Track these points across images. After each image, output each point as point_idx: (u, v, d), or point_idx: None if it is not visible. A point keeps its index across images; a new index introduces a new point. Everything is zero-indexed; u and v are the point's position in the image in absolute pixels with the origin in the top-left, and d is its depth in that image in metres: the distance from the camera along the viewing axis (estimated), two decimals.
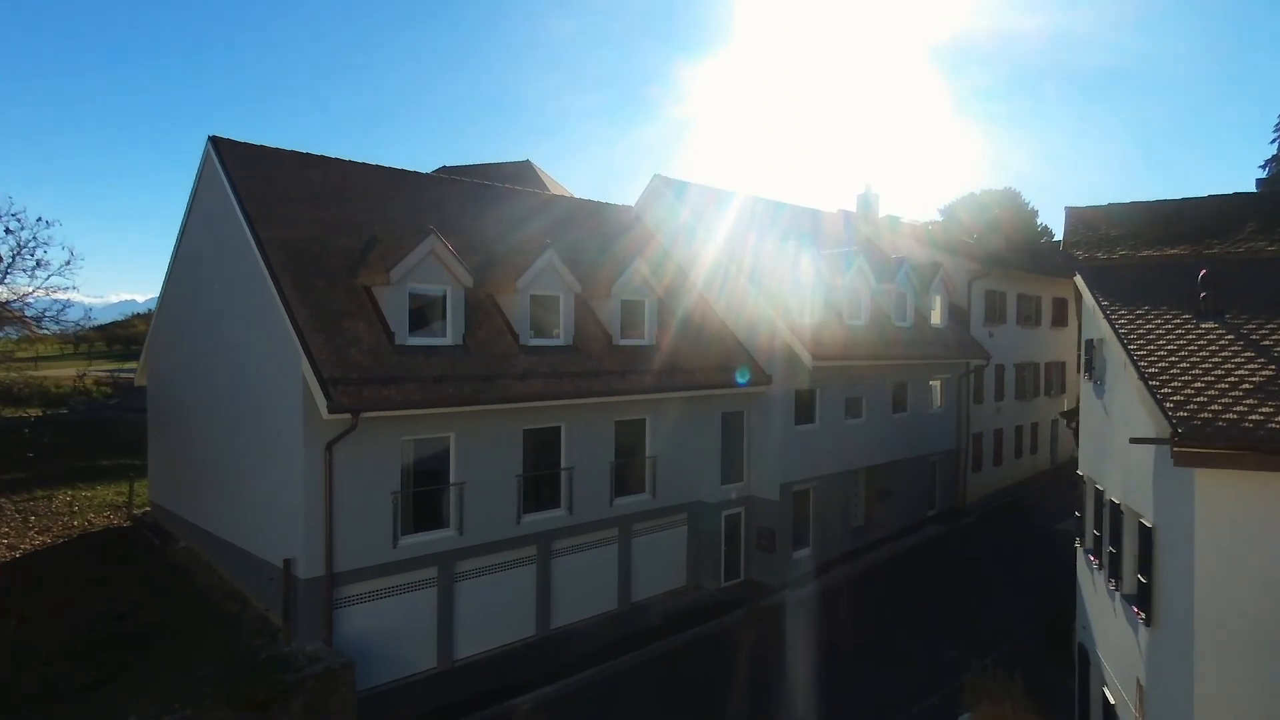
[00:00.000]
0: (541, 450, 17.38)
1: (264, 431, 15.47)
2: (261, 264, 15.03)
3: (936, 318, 27.79)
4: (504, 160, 42.43)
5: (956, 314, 29.11)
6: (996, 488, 31.63)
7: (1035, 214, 63.52)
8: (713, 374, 20.10)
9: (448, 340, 15.87)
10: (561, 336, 17.78)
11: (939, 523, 27.13)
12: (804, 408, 21.84)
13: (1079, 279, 12.28)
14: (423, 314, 15.75)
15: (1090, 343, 12.31)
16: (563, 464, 17.66)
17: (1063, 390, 37.03)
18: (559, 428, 17.61)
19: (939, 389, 27.70)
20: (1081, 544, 12.95)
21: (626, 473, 19.05)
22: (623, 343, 19.01)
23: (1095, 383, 12.07)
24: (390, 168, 19.79)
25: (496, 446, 16.37)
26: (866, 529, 25.14)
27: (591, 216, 23.57)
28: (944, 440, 28.04)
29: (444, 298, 15.92)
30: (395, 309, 15.22)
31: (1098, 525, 11.78)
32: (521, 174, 39.53)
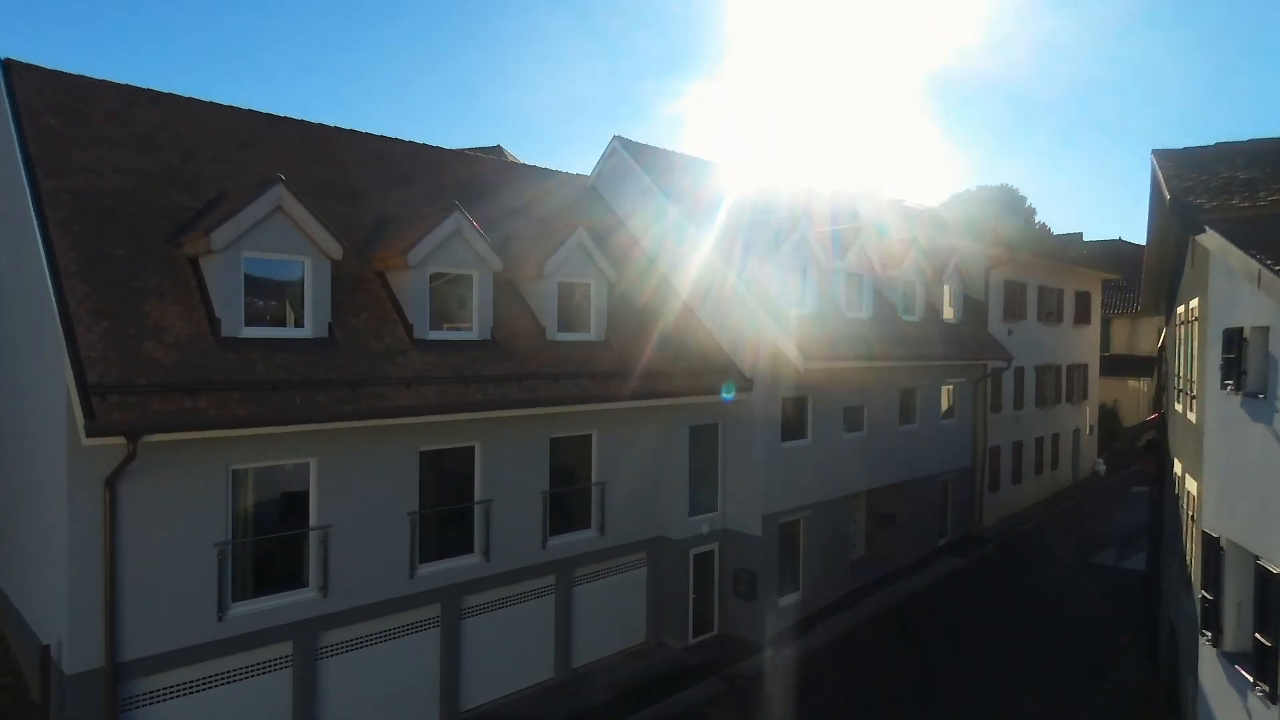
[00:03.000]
0: (447, 478, 13.16)
1: (34, 462, 11.14)
2: (34, 222, 10.70)
3: (949, 312, 23.62)
4: (472, 146, 38.25)
5: (971, 308, 24.92)
6: (1016, 510, 27.43)
7: (1033, 211, 60.50)
8: (679, 378, 15.83)
9: (305, 332, 11.57)
10: (474, 329, 13.50)
11: (953, 553, 22.94)
12: (793, 420, 17.61)
13: (1211, 236, 8.07)
14: (269, 296, 11.48)
15: (1236, 335, 8.08)
16: (477, 496, 13.43)
17: (1084, 397, 32.96)
18: (472, 448, 13.39)
19: (952, 395, 23.51)
20: (1217, 644, 8.65)
21: (566, 504, 14.83)
22: (560, 337, 14.75)
23: (1249, 396, 7.85)
24: (262, 112, 15.41)
25: (380, 475, 12.14)
26: (868, 563, 20.94)
27: (530, 183, 19.24)
28: (958, 456, 23.84)
29: (301, 274, 11.63)
30: (225, 288, 10.90)
31: (1261, 625, 7.51)
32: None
